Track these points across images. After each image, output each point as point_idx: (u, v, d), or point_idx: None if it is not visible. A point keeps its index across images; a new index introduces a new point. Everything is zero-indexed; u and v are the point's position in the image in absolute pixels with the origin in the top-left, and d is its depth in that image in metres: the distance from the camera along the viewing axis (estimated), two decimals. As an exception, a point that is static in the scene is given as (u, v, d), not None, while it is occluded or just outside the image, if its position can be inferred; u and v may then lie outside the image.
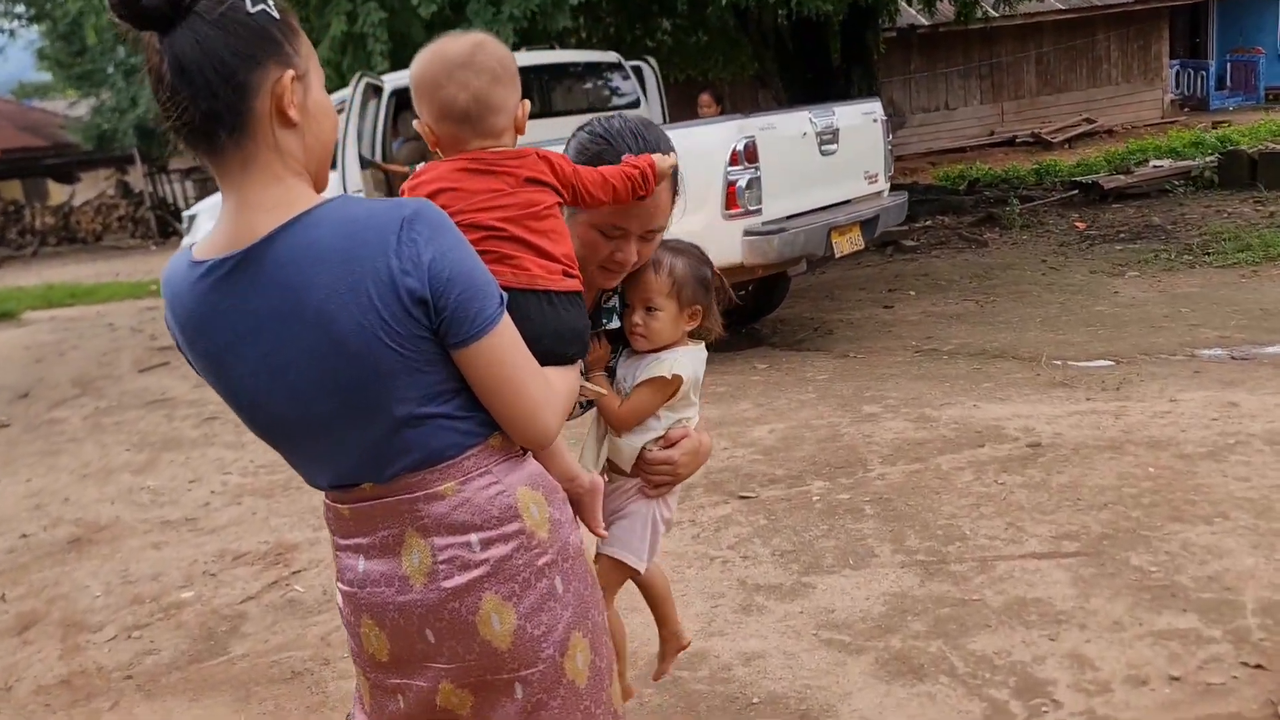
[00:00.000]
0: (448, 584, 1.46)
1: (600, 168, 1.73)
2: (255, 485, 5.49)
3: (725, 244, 6.10)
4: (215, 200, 9.76)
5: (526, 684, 1.50)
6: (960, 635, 3.18)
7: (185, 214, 10.40)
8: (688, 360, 2.00)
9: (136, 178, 27.27)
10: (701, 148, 6.22)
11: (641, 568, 2.09)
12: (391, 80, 7.91)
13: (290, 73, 1.41)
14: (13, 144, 27.41)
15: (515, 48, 8.87)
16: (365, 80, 7.60)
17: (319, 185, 1.49)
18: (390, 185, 7.70)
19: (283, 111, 1.41)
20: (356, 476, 1.50)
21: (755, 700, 2.97)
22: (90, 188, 29.48)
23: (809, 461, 4.80)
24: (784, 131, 6.45)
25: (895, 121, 12.67)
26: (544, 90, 8.21)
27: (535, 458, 1.58)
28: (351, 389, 1.41)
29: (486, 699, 1.52)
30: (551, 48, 8.81)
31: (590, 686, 1.56)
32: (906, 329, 7.36)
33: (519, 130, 1.68)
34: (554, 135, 7.81)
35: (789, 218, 6.40)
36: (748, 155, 6.08)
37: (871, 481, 4.47)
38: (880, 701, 2.90)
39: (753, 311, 7.82)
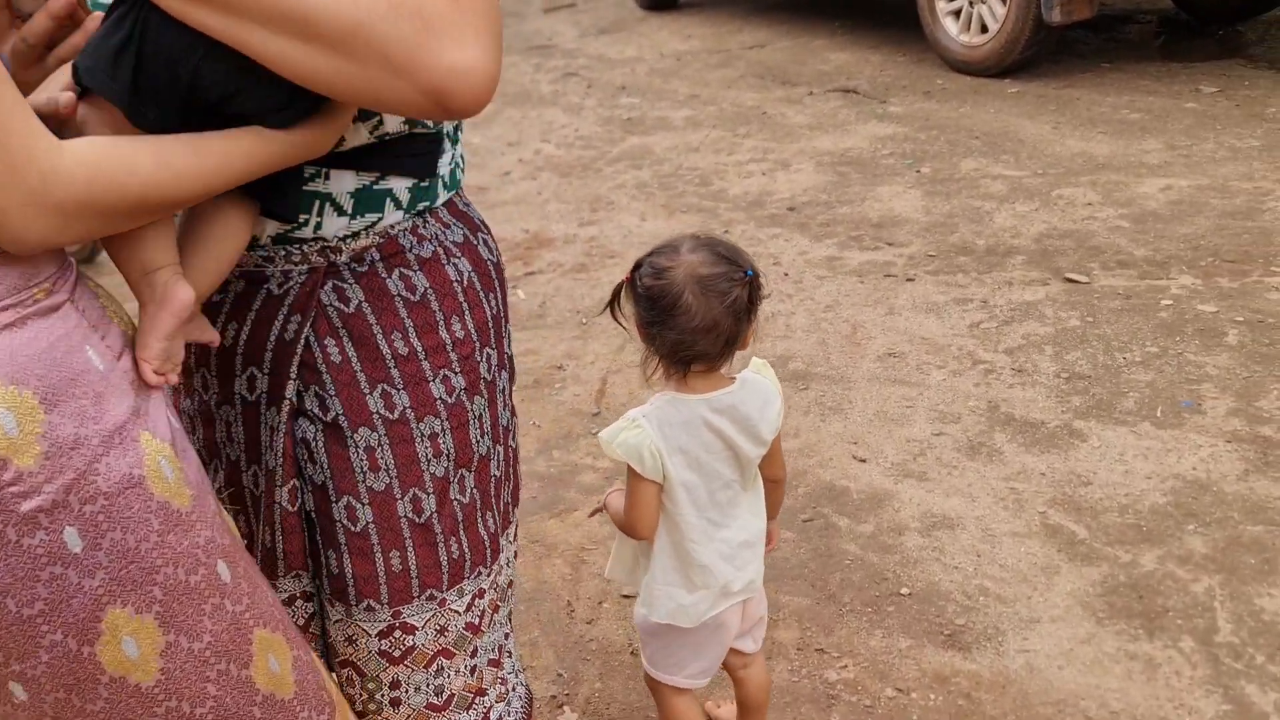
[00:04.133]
0: None
1: None
2: (561, 160, 5.13)
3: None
4: None
5: (29, 682, 0.93)
6: (1258, 583, 2.11)
7: None
8: (642, 426, 1.45)
9: None
10: None
11: (693, 685, 1.67)
12: None
13: None
14: None
15: None
16: None
17: None
18: None
19: None
20: None
21: (905, 591, 2.19)
22: None
23: (1191, 244, 3.47)
24: None
25: None
26: None
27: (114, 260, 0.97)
28: None
29: None
30: None
31: (172, 682, 0.95)
32: None
33: None
34: None
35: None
36: None
37: (1265, 292, 3.13)
38: (1071, 649, 2.01)
39: (1237, 7, 5.82)
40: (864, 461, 2.62)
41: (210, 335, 1.07)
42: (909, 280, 3.50)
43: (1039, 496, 2.42)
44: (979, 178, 4.25)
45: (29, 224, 0.85)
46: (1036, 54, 5.33)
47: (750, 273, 1.36)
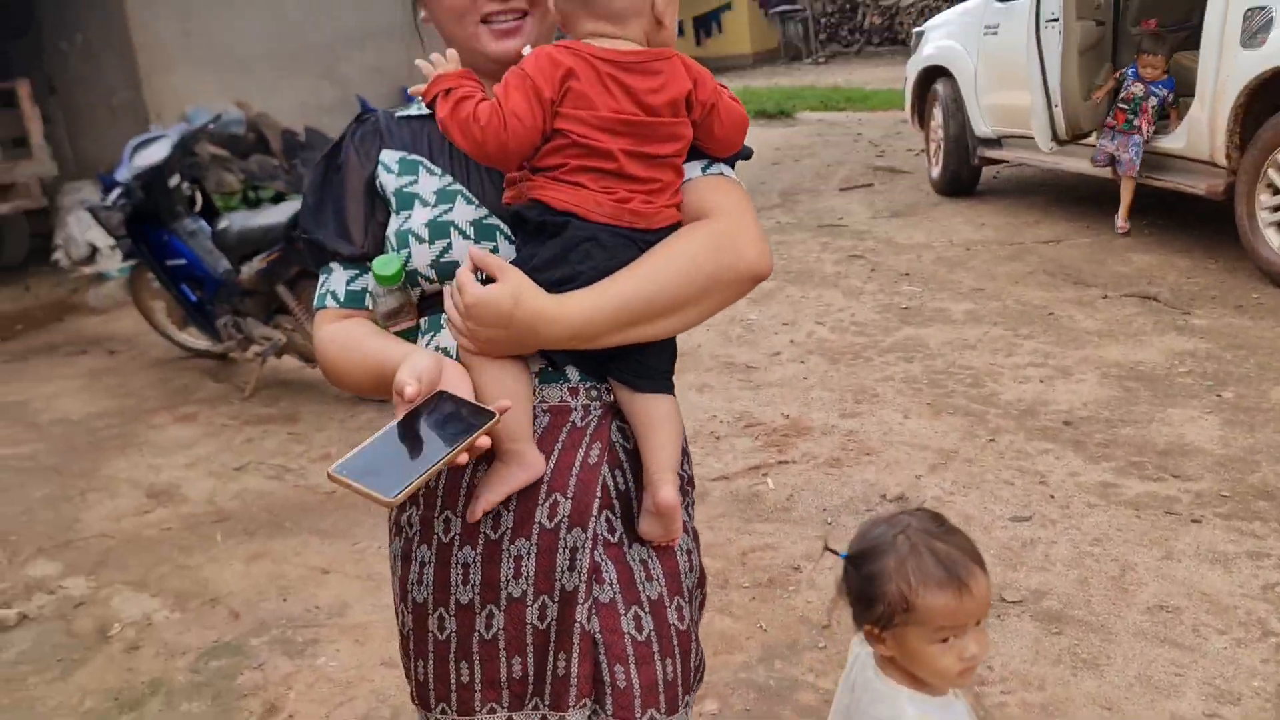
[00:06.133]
0: None
1: None
2: (833, 344, 5.12)
3: None
4: (945, 17, 9.02)
5: None
6: None
7: (915, 30, 9.62)
8: None
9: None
10: None
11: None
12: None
13: None
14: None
15: None
16: None
17: None
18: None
19: None
20: None
21: None
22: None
23: None
24: None
25: None
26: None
27: None
28: None
29: None
30: None
31: None
32: None
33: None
34: None
35: None
36: None
37: None
38: None
39: None
40: (1116, 732, 2.35)
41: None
42: (1194, 521, 3.17)
43: (1329, 814, 2.06)
44: (1291, 410, 3.83)
45: None
46: (1374, 273, 4.82)
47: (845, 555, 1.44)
